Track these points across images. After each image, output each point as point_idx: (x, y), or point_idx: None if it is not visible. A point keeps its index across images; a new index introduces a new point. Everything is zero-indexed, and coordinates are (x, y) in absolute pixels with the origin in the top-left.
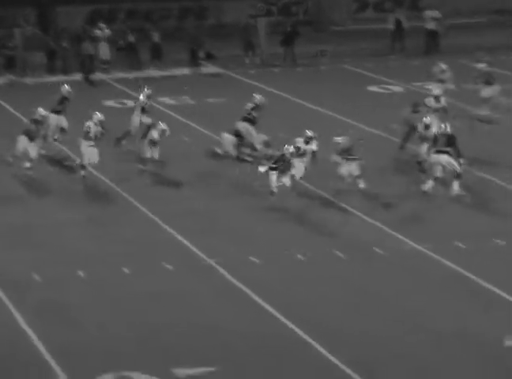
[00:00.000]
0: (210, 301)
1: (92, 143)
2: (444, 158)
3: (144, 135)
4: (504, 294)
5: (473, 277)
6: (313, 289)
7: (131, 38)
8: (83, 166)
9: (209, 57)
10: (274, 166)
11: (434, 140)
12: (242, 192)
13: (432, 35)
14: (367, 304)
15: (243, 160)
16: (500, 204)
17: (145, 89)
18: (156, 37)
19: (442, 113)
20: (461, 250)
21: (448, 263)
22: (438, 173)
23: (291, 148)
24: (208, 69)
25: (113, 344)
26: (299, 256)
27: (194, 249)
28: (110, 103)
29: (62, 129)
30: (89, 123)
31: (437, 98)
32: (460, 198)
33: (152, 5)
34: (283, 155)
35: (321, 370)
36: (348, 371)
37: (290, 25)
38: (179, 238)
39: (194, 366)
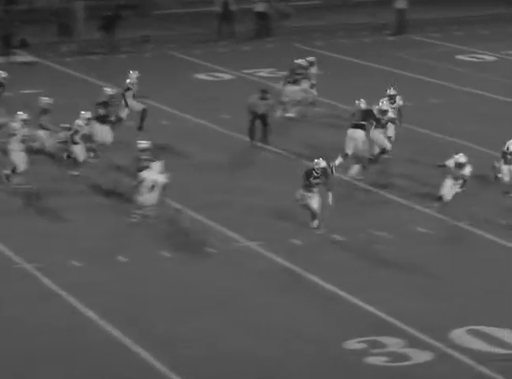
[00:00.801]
0: (29, 308)
1: (20, 147)
2: (360, 134)
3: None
4: (340, 292)
5: (309, 275)
6: (139, 292)
7: None
8: (17, 174)
9: (23, 44)
10: (308, 184)
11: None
12: (60, 192)
13: (262, 17)
14: (199, 305)
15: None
16: (344, 201)
17: (131, 71)
18: None
19: (397, 112)
20: (296, 247)
21: (281, 260)
22: (349, 150)
23: (322, 163)
24: (22, 57)
25: None
26: (123, 258)
27: (11, 253)
28: None
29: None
30: (14, 124)
31: (392, 97)
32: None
33: None
34: (312, 170)
35: (145, 376)
36: (173, 376)
37: (111, 9)
38: None
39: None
